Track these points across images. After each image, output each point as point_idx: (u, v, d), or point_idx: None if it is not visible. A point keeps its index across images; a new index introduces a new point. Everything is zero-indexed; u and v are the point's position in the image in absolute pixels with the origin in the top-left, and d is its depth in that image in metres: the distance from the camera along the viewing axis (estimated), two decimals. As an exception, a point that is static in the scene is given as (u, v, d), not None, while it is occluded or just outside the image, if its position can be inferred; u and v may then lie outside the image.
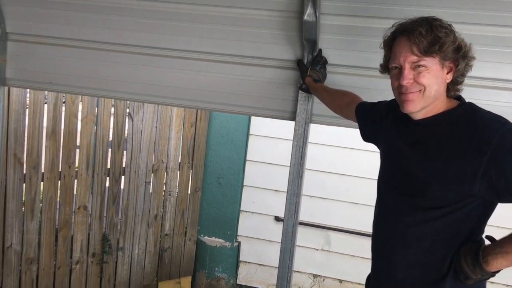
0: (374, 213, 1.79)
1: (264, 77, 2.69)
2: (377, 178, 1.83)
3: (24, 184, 3.78)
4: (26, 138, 3.74)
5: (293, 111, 2.65)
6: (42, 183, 3.87)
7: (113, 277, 4.24)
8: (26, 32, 2.86)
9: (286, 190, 4.28)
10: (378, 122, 1.87)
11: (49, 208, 3.91)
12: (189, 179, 4.55)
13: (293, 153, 2.61)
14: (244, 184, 4.56)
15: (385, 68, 1.70)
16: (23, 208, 3.81)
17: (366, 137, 2.00)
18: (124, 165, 4.21)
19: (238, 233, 4.61)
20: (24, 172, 3.77)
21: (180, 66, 2.83)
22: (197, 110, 4.45)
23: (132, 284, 4.35)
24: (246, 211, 4.58)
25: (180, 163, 4.48)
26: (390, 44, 1.63)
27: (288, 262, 2.66)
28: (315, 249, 4.42)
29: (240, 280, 4.65)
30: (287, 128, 4.14)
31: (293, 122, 2.62)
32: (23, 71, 2.97)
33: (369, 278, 1.85)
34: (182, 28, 2.69)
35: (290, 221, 2.65)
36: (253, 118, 4.48)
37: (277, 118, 2.74)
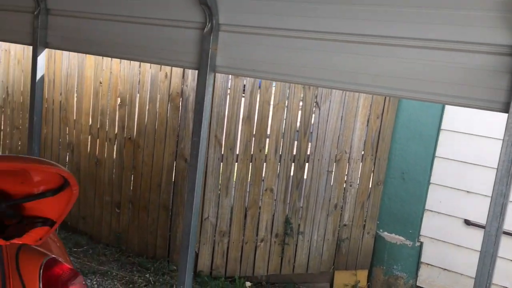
0: None
1: (471, 63, 2.45)
2: None
3: (221, 163, 4.18)
4: (225, 121, 4.12)
5: (505, 102, 2.36)
6: (236, 163, 4.22)
7: (292, 259, 4.42)
8: (235, 23, 3.12)
9: (479, 192, 3.93)
10: None
11: (241, 187, 4.25)
12: (371, 172, 4.46)
13: (504, 149, 2.33)
14: (431, 181, 4.28)
15: None
16: (219, 185, 4.21)
17: None
18: (308, 153, 4.33)
19: (421, 233, 4.36)
20: (222, 152, 4.16)
21: (376, 52, 2.76)
22: (384, 102, 4.33)
23: (309, 268, 4.47)
24: (432, 211, 4.30)
25: (363, 154, 4.42)
26: None
27: (489, 269, 2.40)
28: (512, 261, 3.94)
29: (421, 282, 4.40)
30: (487, 124, 3.76)
31: (501, 115, 2.34)
32: (230, 59, 3.25)
33: None
34: (381, 13, 2.62)
35: (494, 224, 2.39)
36: (446, 112, 4.17)
37: (484, 109, 2.47)
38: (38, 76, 4.10)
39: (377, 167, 4.44)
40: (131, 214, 4.54)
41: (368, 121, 4.36)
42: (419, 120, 4.27)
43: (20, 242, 1.77)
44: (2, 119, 5.52)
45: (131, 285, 3.87)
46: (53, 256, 1.94)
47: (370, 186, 4.48)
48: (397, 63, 2.68)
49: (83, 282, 1.92)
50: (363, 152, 4.42)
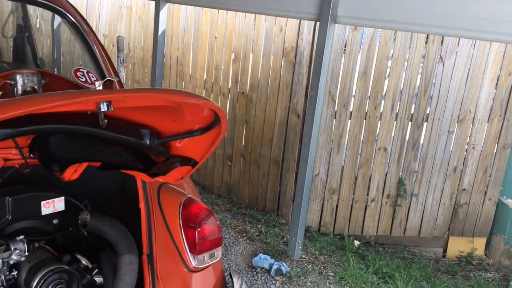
0: None
1: None
2: None
3: (334, 120, 4.10)
4: (340, 77, 4.00)
5: None
6: (349, 121, 4.11)
7: (404, 221, 4.28)
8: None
9: None
10: None
11: (353, 145, 4.15)
12: (498, 134, 4.11)
13: None
14: None
15: None
16: (331, 142, 4.15)
17: None
18: (428, 111, 4.09)
19: (553, 203, 3.97)
20: (335, 109, 4.07)
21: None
22: (519, 57, 3.91)
23: (422, 232, 4.30)
24: None
25: (490, 115, 4.07)
26: None
27: None
28: None
29: (548, 256, 4.05)
30: None
31: None
32: (353, 9, 3.11)
33: None
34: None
35: None
36: None
37: None
38: (160, 30, 4.28)
39: (505, 128, 4.07)
40: (242, 168, 4.67)
41: (498, 78, 3.98)
42: (560, 78, 3.81)
43: (163, 180, 1.88)
44: (124, 73, 5.90)
45: (244, 234, 4.02)
46: (190, 195, 2.04)
47: (495, 149, 4.14)
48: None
49: (217, 223, 2.00)
50: (490, 113, 4.06)
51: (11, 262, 1.64)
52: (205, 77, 4.84)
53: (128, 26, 5.76)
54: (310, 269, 3.59)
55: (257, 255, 3.66)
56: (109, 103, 1.20)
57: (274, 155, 4.38)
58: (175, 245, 1.90)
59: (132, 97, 1.27)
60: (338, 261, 3.76)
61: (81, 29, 2.37)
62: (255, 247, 3.84)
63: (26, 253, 1.68)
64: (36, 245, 1.78)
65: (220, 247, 2.03)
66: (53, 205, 1.78)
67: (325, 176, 4.21)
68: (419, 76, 4.01)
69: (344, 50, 3.99)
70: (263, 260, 3.56)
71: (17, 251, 1.65)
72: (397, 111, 4.07)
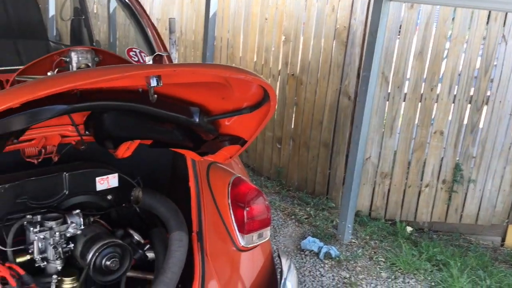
0: None
1: None
2: None
3: (387, 102, 3.97)
4: (394, 57, 3.86)
5: None
6: (403, 103, 3.97)
7: (460, 208, 4.11)
8: None
9: None
10: None
11: (407, 128, 4.01)
12: None
13: None
14: None
15: None
16: (384, 125, 4.03)
17: None
18: (488, 93, 3.87)
19: None
20: (389, 90, 3.94)
21: None
22: None
23: (479, 220, 4.12)
24: None
25: (557, 97, 3.80)
26: None
27: None
28: None
29: None
30: None
31: None
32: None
33: None
34: None
35: None
36: None
37: None
38: (211, 13, 4.29)
39: None
40: (291, 150, 4.64)
41: None
42: None
43: (212, 159, 1.88)
44: (176, 55, 5.98)
45: (293, 216, 4.01)
46: (239, 175, 2.04)
47: None
48: None
49: (266, 203, 1.99)
50: (558, 94, 3.80)
51: (68, 235, 1.71)
52: (255, 59, 4.82)
53: (180, 9, 5.82)
54: (360, 254, 3.54)
55: (305, 237, 3.64)
56: (158, 78, 1.21)
57: (324, 138, 4.32)
58: (224, 224, 1.92)
59: (181, 72, 1.27)
60: (389, 247, 3.68)
61: (134, 10, 2.42)
62: (304, 229, 3.82)
63: (82, 227, 1.74)
64: (91, 219, 1.85)
65: (269, 228, 2.03)
66: (107, 181, 1.83)
67: (377, 160, 4.11)
68: (479, 57, 3.80)
69: (399, 29, 3.84)
70: (312, 243, 3.54)
71: (74, 225, 1.72)
72: (455, 93, 3.88)
